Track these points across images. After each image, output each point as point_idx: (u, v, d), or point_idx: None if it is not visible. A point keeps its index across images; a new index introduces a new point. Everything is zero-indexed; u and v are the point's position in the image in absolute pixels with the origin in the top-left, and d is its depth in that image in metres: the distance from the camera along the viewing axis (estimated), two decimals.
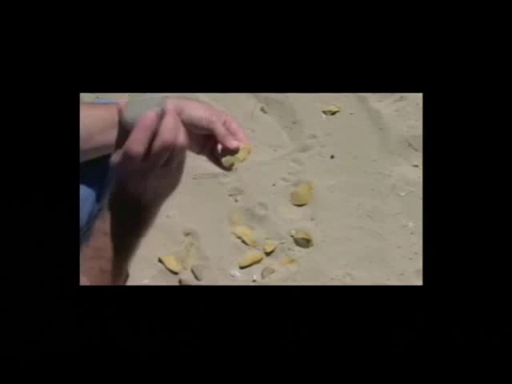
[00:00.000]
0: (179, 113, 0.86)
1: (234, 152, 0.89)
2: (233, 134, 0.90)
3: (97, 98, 1.60)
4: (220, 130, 0.89)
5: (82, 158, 0.92)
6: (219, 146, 0.91)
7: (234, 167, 0.90)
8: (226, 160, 0.89)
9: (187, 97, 0.91)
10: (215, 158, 0.93)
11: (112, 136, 0.85)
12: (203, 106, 0.91)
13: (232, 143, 0.89)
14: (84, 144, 0.91)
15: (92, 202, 1.04)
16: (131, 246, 0.87)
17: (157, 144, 0.79)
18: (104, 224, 0.84)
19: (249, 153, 0.89)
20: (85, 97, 1.56)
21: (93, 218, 1.08)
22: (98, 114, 0.94)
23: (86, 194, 1.02)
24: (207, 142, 0.93)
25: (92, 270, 0.83)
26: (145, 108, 0.79)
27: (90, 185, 1.02)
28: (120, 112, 0.81)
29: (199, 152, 0.94)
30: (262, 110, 1.68)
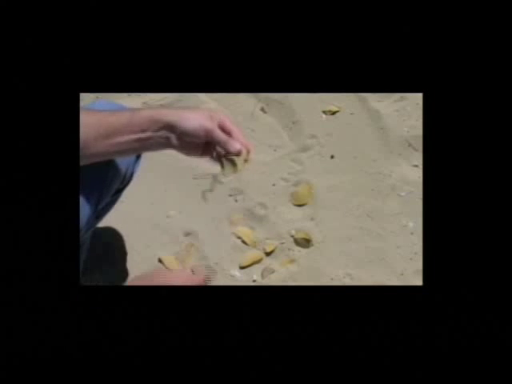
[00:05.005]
0: (172, 129, 0.87)
1: (238, 154, 0.89)
2: (229, 133, 0.91)
3: (97, 97, 1.61)
4: (219, 136, 0.90)
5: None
6: (219, 150, 0.92)
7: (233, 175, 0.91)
8: (225, 174, 0.91)
9: (181, 103, 0.92)
10: (218, 159, 0.94)
11: (104, 145, 0.89)
12: (196, 115, 0.91)
13: (235, 147, 0.89)
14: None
15: (90, 207, 1.04)
16: None
17: None
18: None
19: (246, 161, 0.90)
20: (85, 97, 1.57)
21: (92, 220, 1.09)
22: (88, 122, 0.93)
23: (83, 198, 1.02)
24: (208, 145, 0.93)
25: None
26: None
27: (87, 189, 1.02)
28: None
29: (201, 155, 0.95)
30: (262, 109, 1.68)
